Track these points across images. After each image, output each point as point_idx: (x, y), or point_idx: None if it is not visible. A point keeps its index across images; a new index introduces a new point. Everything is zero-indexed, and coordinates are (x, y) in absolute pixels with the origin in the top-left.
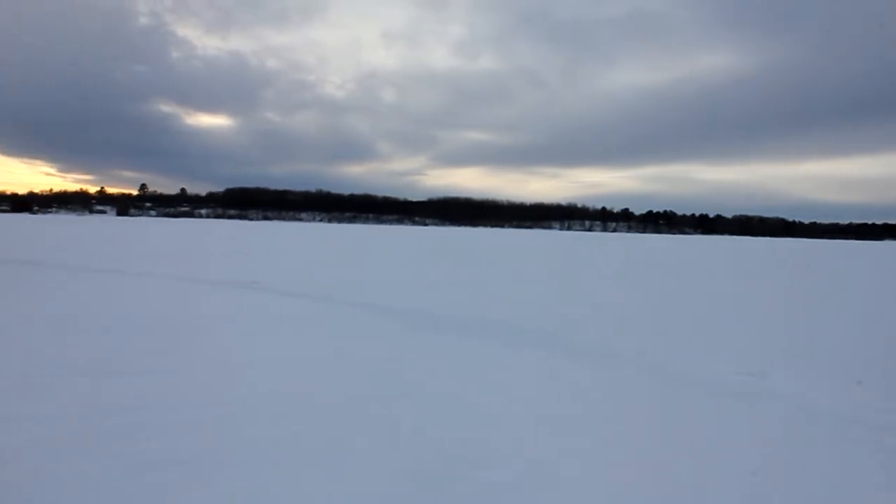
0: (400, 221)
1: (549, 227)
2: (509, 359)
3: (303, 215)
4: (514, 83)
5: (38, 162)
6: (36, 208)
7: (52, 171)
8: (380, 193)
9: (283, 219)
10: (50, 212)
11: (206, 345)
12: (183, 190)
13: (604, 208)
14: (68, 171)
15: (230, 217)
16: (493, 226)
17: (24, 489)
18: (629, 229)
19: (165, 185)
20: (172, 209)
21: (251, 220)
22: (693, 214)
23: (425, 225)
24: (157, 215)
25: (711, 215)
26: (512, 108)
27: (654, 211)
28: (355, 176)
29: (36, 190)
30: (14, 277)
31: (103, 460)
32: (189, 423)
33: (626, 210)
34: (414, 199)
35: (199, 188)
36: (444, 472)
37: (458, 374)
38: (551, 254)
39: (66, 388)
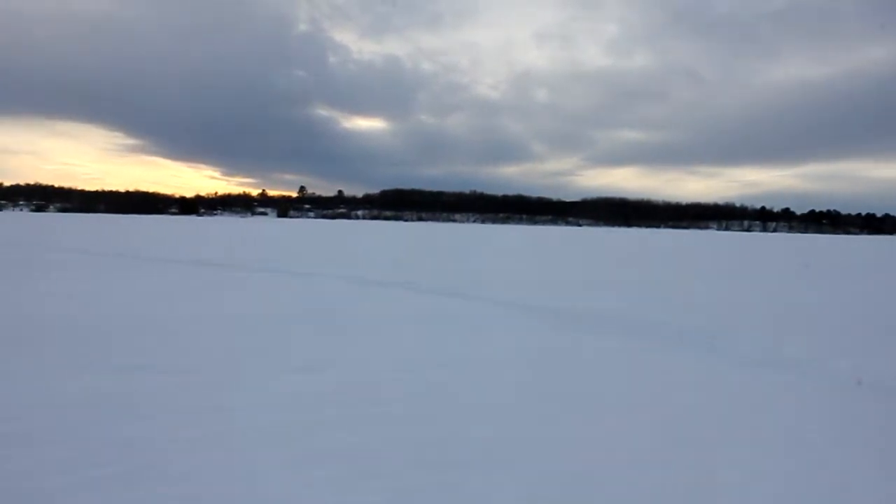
0: (553, 222)
1: (706, 228)
2: (679, 363)
3: (456, 216)
4: (670, 80)
5: (204, 166)
6: (202, 210)
7: (217, 174)
8: (533, 194)
9: (437, 220)
10: (215, 214)
11: (372, 344)
12: (340, 192)
13: (763, 208)
14: (232, 174)
15: (385, 218)
16: (648, 226)
17: (195, 478)
18: (790, 229)
19: (323, 188)
20: (330, 210)
21: (406, 220)
22: (859, 214)
23: (579, 225)
24: (316, 217)
25: (879, 214)
26: (668, 105)
27: (817, 210)
28: (509, 176)
29: (202, 193)
30: (193, 277)
31: (277, 453)
32: (362, 420)
33: (787, 210)
34: (567, 200)
35: (356, 190)
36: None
37: (622, 376)
38: (708, 254)
39: (241, 383)
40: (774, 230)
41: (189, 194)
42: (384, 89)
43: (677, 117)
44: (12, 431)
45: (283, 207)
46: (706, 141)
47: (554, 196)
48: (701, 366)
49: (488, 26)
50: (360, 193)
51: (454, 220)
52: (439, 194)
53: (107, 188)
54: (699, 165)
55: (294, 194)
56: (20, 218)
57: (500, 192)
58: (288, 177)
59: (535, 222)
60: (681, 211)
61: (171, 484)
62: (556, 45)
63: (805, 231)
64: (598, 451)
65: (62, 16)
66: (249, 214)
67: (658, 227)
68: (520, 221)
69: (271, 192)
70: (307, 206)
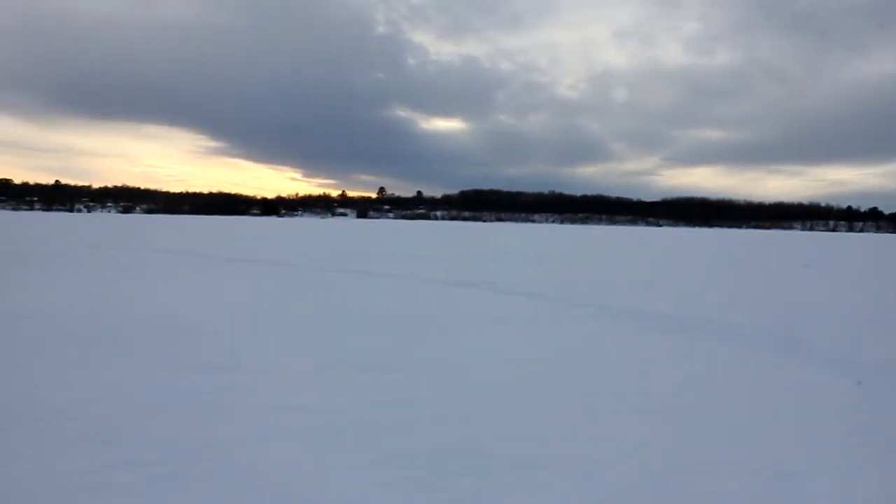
0: (633, 223)
1: (790, 228)
2: (769, 370)
3: (535, 216)
4: (752, 78)
5: (285, 168)
6: (283, 211)
7: (298, 176)
8: (612, 194)
9: (516, 220)
10: (296, 214)
11: (447, 345)
12: (419, 192)
13: (849, 207)
14: (312, 175)
15: (464, 219)
16: (729, 226)
17: (273, 477)
18: (877, 229)
19: (402, 188)
20: (409, 211)
21: (484, 221)
22: None
23: (659, 226)
24: (395, 217)
25: None
26: (750, 103)
27: None
28: (588, 176)
29: (283, 194)
30: (277, 278)
31: (357, 453)
32: (439, 420)
33: (875, 209)
34: (647, 200)
35: (435, 190)
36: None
37: (701, 379)
38: (791, 255)
39: (313, 383)
40: (861, 230)
41: (270, 195)
42: (462, 90)
43: (760, 115)
44: (101, 428)
45: (363, 208)
46: (790, 139)
47: (633, 196)
48: (796, 373)
49: (567, 25)
50: (438, 194)
51: (533, 221)
52: (518, 194)
53: (191, 190)
54: (782, 164)
55: (373, 195)
56: (108, 219)
57: (579, 193)
58: (367, 178)
59: (615, 223)
60: (763, 211)
61: (249, 482)
62: (634, 43)
63: (894, 231)
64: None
65: (151, 22)
66: (329, 215)
67: (739, 227)
68: (599, 222)
69: (351, 193)
70: (386, 206)
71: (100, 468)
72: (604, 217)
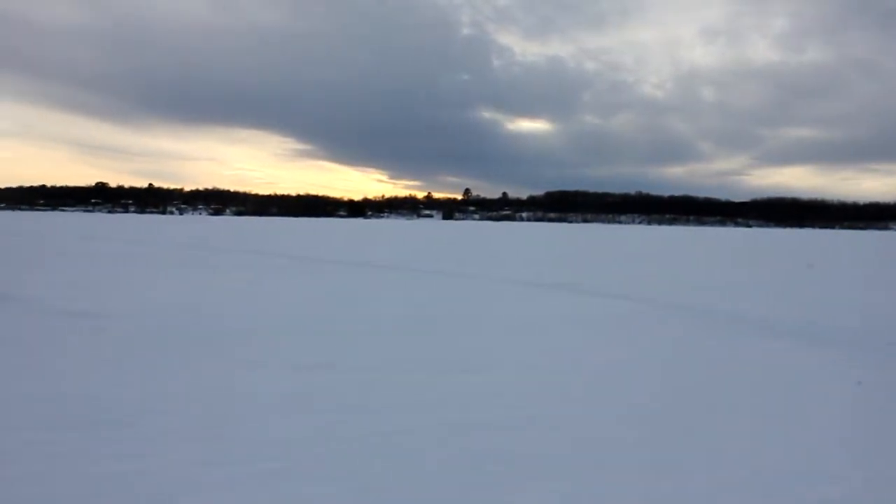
0: (721, 223)
1: (886, 229)
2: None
3: (621, 218)
4: (845, 75)
5: (372, 170)
6: (369, 213)
7: (384, 178)
8: (700, 194)
9: (602, 221)
10: (382, 216)
11: (534, 347)
12: (504, 194)
13: None
14: (398, 177)
15: (549, 220)
16: (821, 227)
17: (351, 475)
18: None
19: (488, 190)
20: (494, 212)
21: (570, 222)
22: None
23: (748, 226)
24: (480, 219)
25: None
26: (842, 101)
27: None
28: (674, 177)
29: (369, 196)
30: (364, 279)
31: (434, 454)
32: (524, 421)
33: None
34: (736, 200)
35: (520, 192)
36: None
37: (811, 387)
38: (892, 256)
39: (402, 382)
40: None
41: (357, 197)
42: (548, 90)
43: (852, 113)
44: (198, 426)
45: (448, 209)
46: (884, 136)
47: (722, 196)
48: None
49: (653, 24)
50: (524, 195)
51: (619, 222)
52: (604, 195)
53: (279, 192)
54: (877, 163)
55: (459, 196)
56: (200, 221)
57: (666, 193)
58: (453, 179)
59: (703, 223)
60: (857, 211)
61: (344, 481)
62: (722, 41)
63: None
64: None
65: (241, 28)
66: (415, 217)
67: (832, 227)
68: (686, 222)
69: (436, 195)
70: (472, 208)
71: (198, 465)
72: (692, 218)
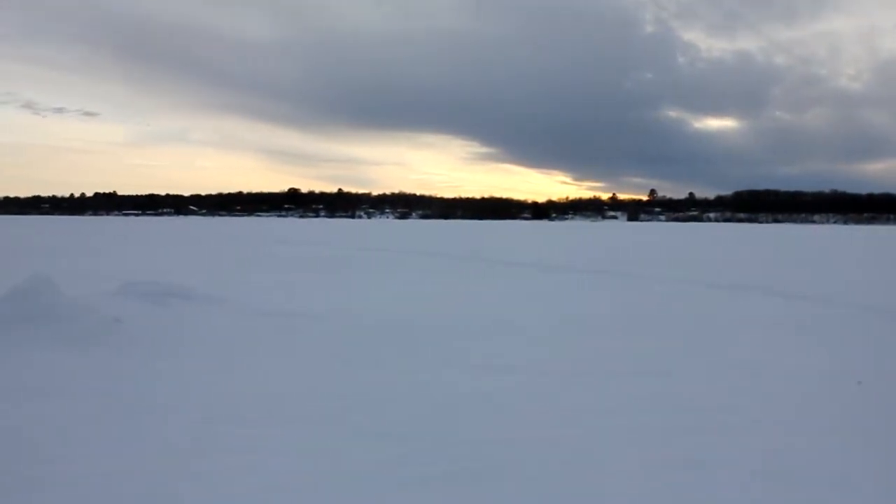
0: None
1: None
2: None
3: (815, 217)
4: None
5: (555, 172)
6: (553, 215)
7: (568, 179)
8: None
9: (794, 221)
10: (566, 218)
11: (719, 351)
12: (691, 194)
13: None
14: (582, 179)
15: (738, 220)
16: None
17: (541, 477)
18: None
19: (673, 190)
20: (681, 213)
21: (760, 223)
22: None
23: None
24: (666, 220)
25: None
26: None
27: None
28: (874, 174)
29: (553, 198)
30: (546, 280)
31: (630, 457)
32: (718, 429)
33: None
34: None
35: (707, 192)
36: None
37: None
38: None
39: (594, 385)
40: None
41: (541, 200)
42: (735, 87)
43: None
44: (377, 423)
45: (633, 211)
46: None
47: None
48: None
49: (848, 14)
50: (711, 195)
51: (812, 222)
52: (796, 194)
53: (463, 195)
54: None
55: (644, 197)
56: (387, 224)
57: (864, 191)
58: (638, 180)
59: None
60: None
61: (525, 483)
62: None
63: None
64: None
65: (425, 34)
66: (600, 218)
67: None
68: (887, 222)
69: (621, 196)
70: (657, 209)
71: (374, 463)
72: (892, 217)
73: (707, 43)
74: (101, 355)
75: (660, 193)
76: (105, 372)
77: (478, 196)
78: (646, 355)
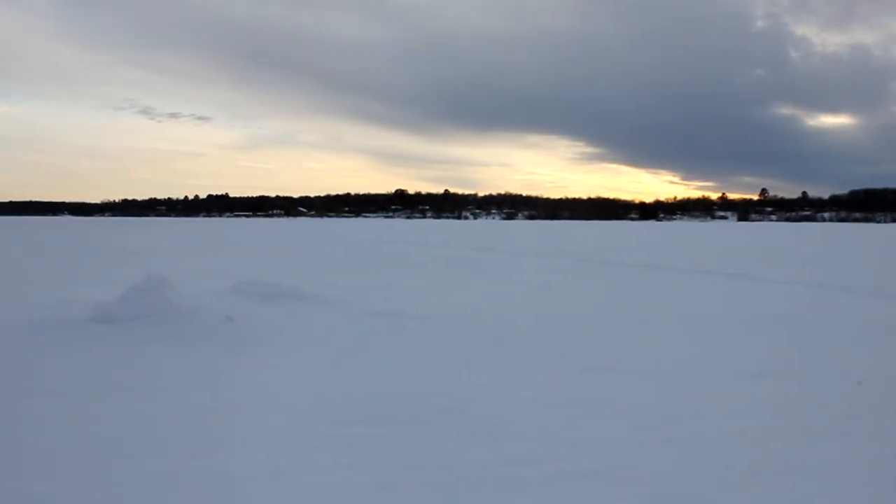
0: None
1: None
2: None
3: None
4: None
5: (663, 171)
6: (661, 215)
7: (676, 179)
8: None
9: None
10: (674, 218)
11: (842, 355)
12: (804, 193)
13: None
14: (690, 178)
15: (854, 220)
16: None
17: (644, 481)
18: None
19: (786, 190)
20: (793, 213)
21: (878, 223)
22: None
23: None
24: (778, 220)
25: None
26: None
27: None
28: None
29: (661, 198)
30: (656, 281)
31: (719, 462)
32: (824, 435)
33: None
34: None
35: (821, 191)
36: None
37: None
38: None
39: (700, 388)
40: None
41: (648, 199)
42: (851, 82)
43: None
44: (486, 424)
45: (744, 210)
46: None
47: None
48: None
49: None
50: (825, 195)
51: None
52: None
53: (569, 196)
54: None
55: (755, 197)
56: (494, 225)
57: None
58: (748, 179)
59: None
60: None
61: (630, 484)
62: None
63: None
64: None
65: (529, 35)
66: (709, 218)
67: None
68: None
69: (731, 196)
70: (769, 208)
71: (479, 464)
72: None
73: (821, 37)
74: (213, 354)
75: (771, 193)
76: (215, 370)
77: (584, 196)
78: (752, 359)
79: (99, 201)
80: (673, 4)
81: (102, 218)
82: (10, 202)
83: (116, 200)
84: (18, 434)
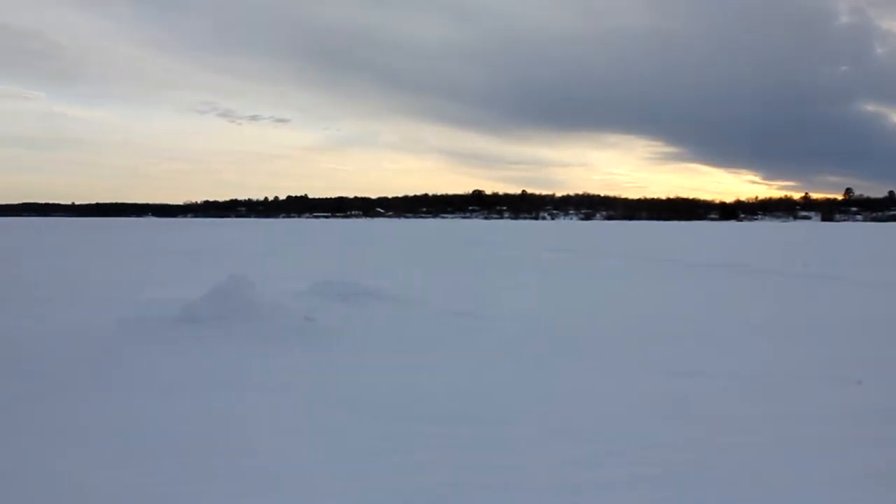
0: None
1: None
2: None
3: None
4: None
5: (744, 171)
6: (742, 216)
7: (757, 179)
8: None
9: None
10: (755, 219)
11: None
12: (891, 193)
13: None
14: (772, 178)
15: None
16: None
17: (725, 485)
18: None
19: (872, 189)
20: (880, 213)
21: None
22: None
23: None
24: (864, 220)
25: None
26: None
27: None
28: None
29: (742, 198)
30: (736, 283)
31: (826, 467)
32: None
33: None
34: None
35: None
36: None
37: None
38: None
39: (788, 390)
40: None
41: (729, 199)
42: None
43: None
44: (568, 426)
45: (828, 211)
46: None
47: None
48: None
49: None
50: None
51: None
52: None
53: (648, 196)
54: None
55: (839, 197)
56: (572, 225)
57: None
58: (832, 178)
59: None
60: None
61: (719, 489)
62: None
63: None
64: None
65: (606, 34)
66: (791, 219)
67: None
68: None
69: (814, 196)
70: (854, 208)
71: (570, 463)
72: None
73: None
74: (292, 353)
75: (856, 192)
76: (293, 369)
77: (663, 196)
78: (839, 363)
79: (181, 202)
80: (753, 2)
81: (185, 219)
82: (97, 204)
83: (198, 202)
84: (125, 428)
